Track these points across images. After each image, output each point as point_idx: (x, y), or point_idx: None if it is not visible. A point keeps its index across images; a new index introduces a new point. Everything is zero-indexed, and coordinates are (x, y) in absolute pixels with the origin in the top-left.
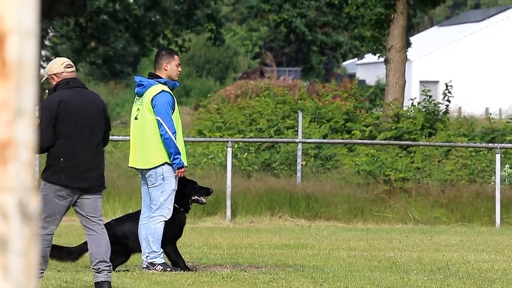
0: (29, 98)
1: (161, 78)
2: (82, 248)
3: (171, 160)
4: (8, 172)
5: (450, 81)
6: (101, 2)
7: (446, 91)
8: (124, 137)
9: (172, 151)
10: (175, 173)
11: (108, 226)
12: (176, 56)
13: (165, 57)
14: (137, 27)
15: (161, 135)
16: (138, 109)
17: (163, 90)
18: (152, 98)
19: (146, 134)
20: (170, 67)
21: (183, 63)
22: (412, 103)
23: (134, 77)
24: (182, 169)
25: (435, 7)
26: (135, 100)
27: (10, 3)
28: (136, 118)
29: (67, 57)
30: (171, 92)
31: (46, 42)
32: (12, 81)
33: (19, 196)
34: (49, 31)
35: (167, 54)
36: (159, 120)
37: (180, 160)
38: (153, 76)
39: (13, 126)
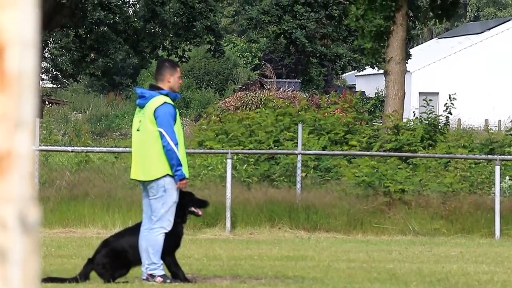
0: (29, 109)
1: (163, 89)
2: (87, 269)
3: (173, 171)
4: (8, 183)
5: (454, 93)
6: (100, 14)
7: (449, 102)
8: (124, 149)
9: (174, 162)
10: (176, 184)
11: (106, 243)
12: (178, 69)
13: (169, 69)
14: (137, 39)
15: (163, 146)
16: (140, 120)
17: (165, 102)
18: (155, 110)
19: (148, 146)
20: (173, 79)
21: (182, 75)
22: (414, 113)
23: (135, 88)
24: (184, 181)
25: (449, 19)
26: (136, 111)
27: (10, 14)
28: (138, 130)
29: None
30: (173, 104)
31: (46, 54)
32: (12, 92)
33: (19, 207)
34: (49, 42)
35: (170, 66)
36: (161, 132)
37: (182, 171)
38: (154, 87)
39: (13, 137)
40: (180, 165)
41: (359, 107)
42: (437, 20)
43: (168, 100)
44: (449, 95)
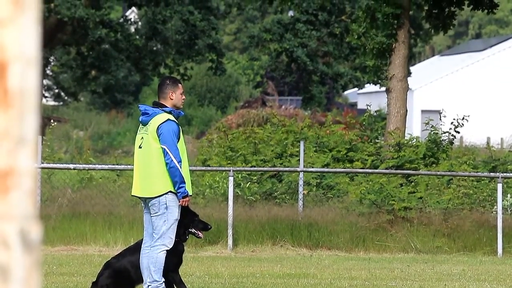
0: (31, 127)
1: (166, 107)
2: None
3: (175, 189)
4: (9, 200)
5: (469, 116)
6: (102, 31)
7: (459, 122)
8: (126, 166)
9: (177, 180)
10: (179, 202)
11: (107, 265)
12: (180, 85)
13: (170, 86)
14: (138, 56)
15: (166, 164)
16: (142, 137)
17: (168, 119)
18: (158, 127)
19: (151, 163)
20: (175, 96)
21: (184, 92)
22: (428, 122)
23: (139, 105)
24: (187, 198)
25: (446, 31)
26: (139, 128)
27: (11, 31)
28: (140, 147)
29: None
30: (176, 121)
31: (48, 71)
32: (14, 110)
33: (21, 224)
34: (51, 60)
35: (171, 83)
36: (164, 149)
37: (185, 189)
38: (157, 105)
39: (15, 155)
40: (183, 182)
41: (371, 125)
42: (433, 30)
43: (171, 117)
44: (464, 115)
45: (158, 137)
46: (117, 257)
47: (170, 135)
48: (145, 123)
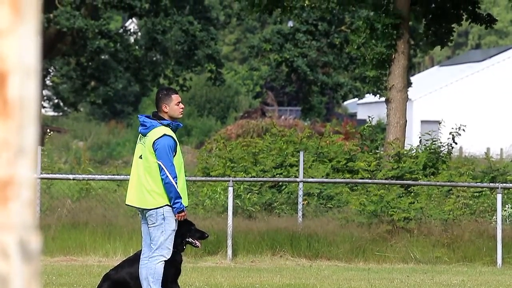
0: (30, 137)
1: (164, 119)
2: None
3: (171, 203)
4: (9, 210)
5: (465, 125)
6: (101, 42)
7: (457, 132)
8: (125, 177)
9: (172, 195)
10: (175, 216)
11: (106, 277)
12: (173, 96)
13: (162, 99)
14: (138, 67)
15: (162, 179)
16: (141, 149)
17: (165, 134)
18: (154, 142)
19: (150, 175)
20: (170, 108)
21: (184, 102)
22: (420, 139)
23: (138, 116)
24: (183, 213)
25: (443, 46)
26: (139, 137)
27: (11, 42)
28: (140, 157)
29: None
30: (173, 135)
31: (47, 82)
32: (14, 120)
33: (20, 234)
34: (50, 70)
35: (163, 96)
36: (160, 165)
37: (181, 204)
38: (156, 116)
39: (14, 165)
40: (179, 197)
41: (372, 136)
42: (430, 46)
43: (168, 131)
44: (460, 124)
45: (154, 152)
46: (115, 269)
47: (165, 151)
48: (144, 134)
